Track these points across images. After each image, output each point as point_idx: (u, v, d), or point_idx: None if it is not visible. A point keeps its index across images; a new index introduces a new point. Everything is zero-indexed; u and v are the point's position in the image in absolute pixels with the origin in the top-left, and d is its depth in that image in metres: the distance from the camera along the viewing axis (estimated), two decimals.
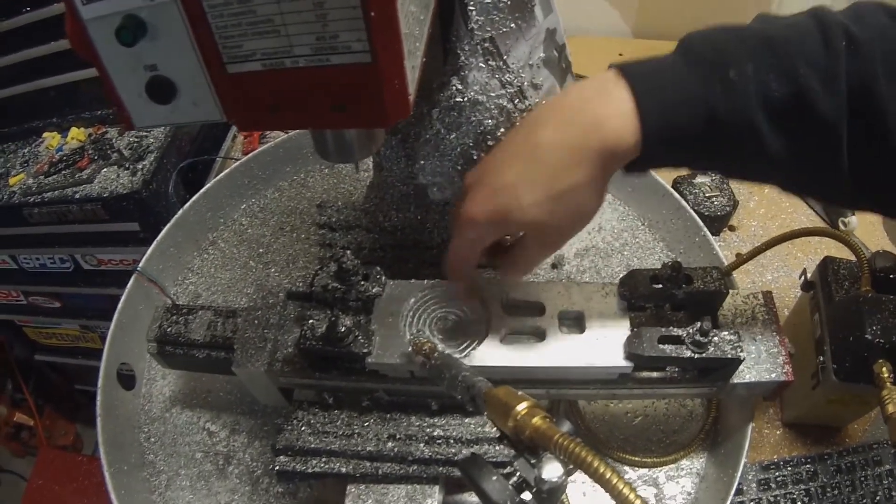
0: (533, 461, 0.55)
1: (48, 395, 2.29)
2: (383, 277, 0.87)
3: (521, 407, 0.57)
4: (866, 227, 1.38)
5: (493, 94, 0.79)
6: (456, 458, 0.81)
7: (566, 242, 0.77)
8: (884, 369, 0.82)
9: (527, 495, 0.54)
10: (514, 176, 0.68)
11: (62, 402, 2.32)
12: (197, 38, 0.48)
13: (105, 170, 1.44)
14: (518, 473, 0.55)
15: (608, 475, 0.49)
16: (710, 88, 0.63)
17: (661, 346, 0.78)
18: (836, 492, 1.00)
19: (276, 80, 0.49)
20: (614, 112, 0.65)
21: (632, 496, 0.47)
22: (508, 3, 0.75)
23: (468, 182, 0.74)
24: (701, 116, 0.63)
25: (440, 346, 0.76)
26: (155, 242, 1.15)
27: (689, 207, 1.17)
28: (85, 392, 2.22)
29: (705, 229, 1.13)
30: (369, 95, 0.50)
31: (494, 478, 0.54)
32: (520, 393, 0.59)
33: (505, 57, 0.79)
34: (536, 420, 0.56)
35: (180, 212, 1.20)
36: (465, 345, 0.82)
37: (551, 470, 0.53)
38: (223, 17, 0.46)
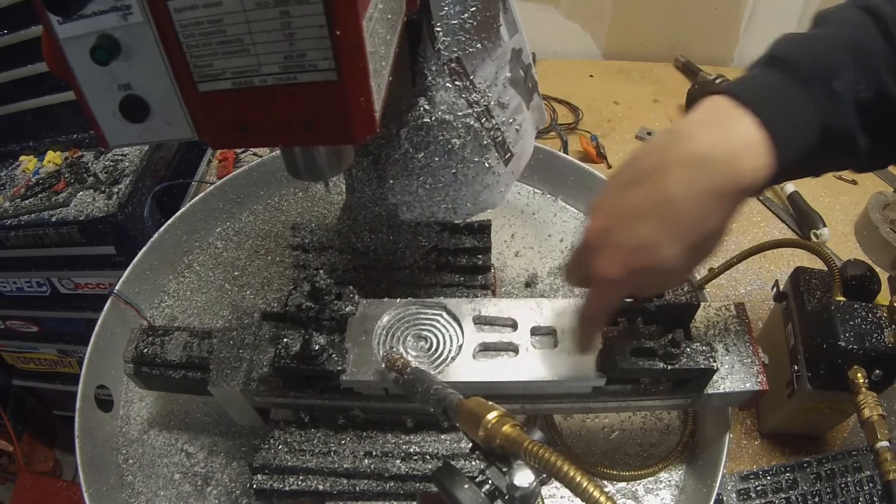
0: (504, 469, 0.56)
1: (26, 421, 2.27)
2: (356, 296, 0.88)
3: (492, 416, 0.58)
4: (838, 238, 1.40)
5: (460, 114, 0.81)
6: (432, 473, 0.81)
7: None
8: (858, 375, 0.83)
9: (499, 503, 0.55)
10: (649, 234, 0.65)
11: (41, 428, 2.30)
12: (169, 58, 0.49)
13: (81, 193, 1.44)
14: (490, 482, 0.56)
15: (578, 478, 0.49)
16: (821, 106, 0.63)
17: (633, 358, 0.79)
18: (816, 499, 1.01)
19: (246, 98, 0.50)
20: (744, 146, 0.62)
21: (602, 498, 0.48)
22: (475, 23, 0.76)
23: (593, 241, 0.70)
24: (818, 134, 0.63)
25: (413, 363, 0.77)
26: (131, 265, 1.15)
27: None
28: (63, 417, 2.19)
29: None
30: (336, 113, 0.50)
31: (467, 486, 0.54)
32: (490, 403, 0.60)
33: (472, 77, 0.80)
34: (507, 428, 0.56)
35: (156, 235, 1.21)
36: (438, 361, 0.83)
37: (522, 477, 0.54)
38: (194, 37, 0.47)
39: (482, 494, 0.54)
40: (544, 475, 0.55)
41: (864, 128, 0.64)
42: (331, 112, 0.50)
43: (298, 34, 0.46)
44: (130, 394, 1.10)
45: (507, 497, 0.55)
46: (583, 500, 0.50)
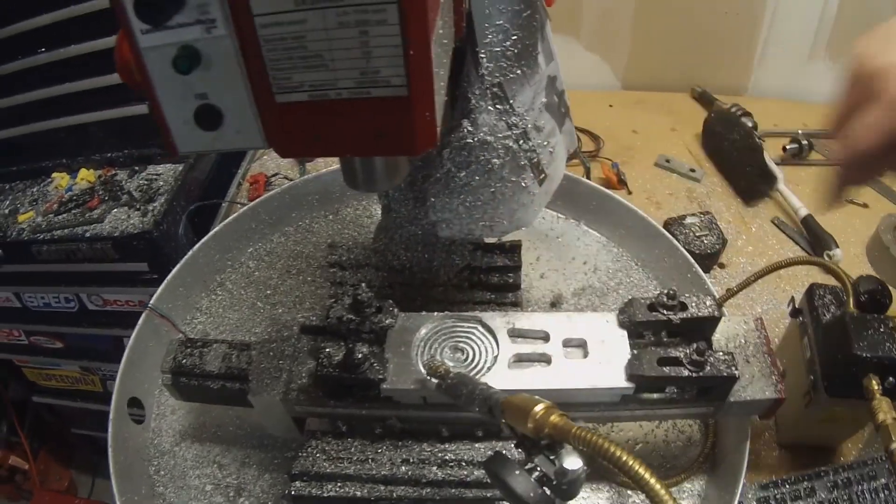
0: (552, 457, 0.59)
1: (44, 438, 2.28)
2: (395, 310, 0.91)
3: (539, 408, 0.61)
4: (851, 259, 1.43)
5: (500, 135, 0.85)
6: (468, 479, 0.84)
7: None
8: (873, 382, 0.85)
9: (547, 490, 0.58)
10: None
11: (58, 446, 2.31)
12: (249, 70, 0.52)
13: (115, 210, 1.46)
14: (539, 469, 0.59)
15: (623, 458, 0.52)
16: None
17: (660, 367, 0.82)
18: None
19: (321, 110, 0.53)
20: None
21: (647, 475, 0.51)
22: (516, 51, 0.80)
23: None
24: None
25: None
26: (165, 281, 1.18)
27: (680, 246, 1.22)
28: (82, 436, 2.19)
29: (696, 266, 1.18)
30: (403, 126, 0.54)
31: (518, 472, 0.58)
32: (535, 397, 0.63)
33: (511, 101, 0.84)
34: (554, 417, 0.60)
35: (190, 253, 1.23)
36: (474, 371, 0.86)
37: (571, 461, 0.57)
38: (277, 51, 0.51)
39: (532, 480, 0.58)
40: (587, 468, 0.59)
41: None
42: (398, 125, 0.54)
43: (375, 52, 0.50)
44: (163, 407, 1.12)
45: (554, 483, 0.58)
46: (629, 478, 0.53)
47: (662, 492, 0.51)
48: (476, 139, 0.83)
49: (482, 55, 0.78)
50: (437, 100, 0.55)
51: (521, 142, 0.86)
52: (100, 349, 1.76)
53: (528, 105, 0.86)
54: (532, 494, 0.57)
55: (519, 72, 0.83)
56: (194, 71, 0.53)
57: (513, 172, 0.88)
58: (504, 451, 0.73)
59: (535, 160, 0.89)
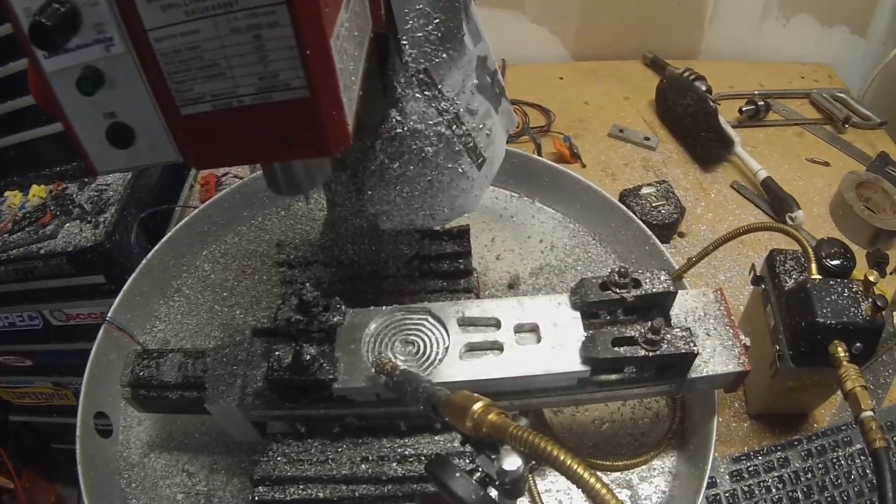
0: (493, 457, 0.58)
1: (26, 457, 2.27)
2: (343, 306, 0.90)
3: (477, 406, 0.60)
4: (814, 220, 1.44)
5: (431, 122, 0.83)
6: None
7: None
8: (839, 349, 0.85)
9: (492, 490, 0.57)
10: None
11: (40, 463, 2.30)
12: (151, 85, 0.51)
13: (68, 225, 1.45)
14: (481, 469, 0.58)
15: (561, 457, 0.52)
16: None
17: (615, 347, 0.81)
18: (809, 475, 1.03)
19: (226, 119, 0.52)
20: None
21: (586, 475, 0.51)
22: (439, 34, 0.79)
23: None
24: None
25: (402, 366, 0.79)
26: (122, 292, 1.16)
27: (636, 218, 1.21)
28: (63, 450, 2.17)
29: (654, 237, 1.17)
30: (311, 128, 0.53)
31: (458, 475, 0.57)
32: (475, 395, 0.62)
33: (440, 86, 0.82)
34: (492, 416, 0.59)
35: (144, 261, 1.22)
36: (426, 364, 0.85)
37: (510, 462, 0.57)
38: (174, 64, 0.50)
39: (473, 482, 0.57)
40: (534, 462, 0.58)
41: None
42: (306, 127, 0.53)
43: (271, 56, 0.49)
44: (129, 419, 1.11)
45: (497, 482, 0.57)
46: (563, 475, 0.52)
47: (603, 491, 0.50)
48: (406, 128, 0.82)
49: (404, 41, 0.77)
50: (346, 97, 0.54)
51: (455, 127, 0.85)
52: (69, 363, 1.74)
53: (459, 88, 0.85)
54: (474, 497, 0.56)
55: (445, 55, 0.81)
56: (100, 90, 0.52)
57: (448, 159, 0.87)
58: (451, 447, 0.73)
59: (472, 144, 0.88)
